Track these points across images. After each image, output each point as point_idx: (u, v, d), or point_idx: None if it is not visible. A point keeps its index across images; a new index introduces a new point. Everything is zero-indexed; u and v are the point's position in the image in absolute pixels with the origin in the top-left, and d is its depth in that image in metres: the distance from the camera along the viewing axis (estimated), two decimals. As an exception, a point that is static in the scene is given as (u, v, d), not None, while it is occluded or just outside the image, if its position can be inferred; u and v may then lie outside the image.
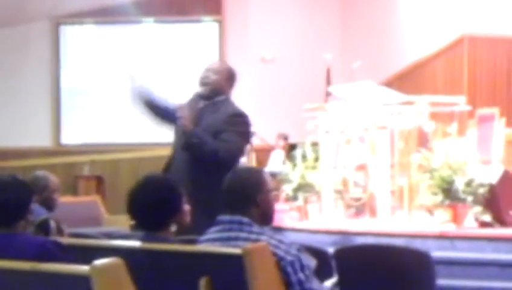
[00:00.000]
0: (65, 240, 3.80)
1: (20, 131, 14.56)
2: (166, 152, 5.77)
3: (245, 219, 3.57)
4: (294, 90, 13.99)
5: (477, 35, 11.18)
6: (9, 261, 2.78)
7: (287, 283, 3.43)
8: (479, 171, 6.92)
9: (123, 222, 10.47)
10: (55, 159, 14.45)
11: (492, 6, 11.15)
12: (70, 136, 15.05)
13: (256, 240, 3.47)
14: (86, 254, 3.13)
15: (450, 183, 6.79)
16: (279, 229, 7.67)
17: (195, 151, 5.30)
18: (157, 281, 3.35)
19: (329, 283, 4.28)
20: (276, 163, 12.10)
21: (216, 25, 15.04)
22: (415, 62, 12.64)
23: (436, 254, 5.62)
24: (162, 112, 5.57)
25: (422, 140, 7.75)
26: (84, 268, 2.43)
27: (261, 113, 12.37)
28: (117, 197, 13.91)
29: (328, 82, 11.40)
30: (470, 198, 6.75)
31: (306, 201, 8.32)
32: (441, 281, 4.90)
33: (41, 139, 14.79)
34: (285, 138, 12.81)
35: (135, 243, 3.56)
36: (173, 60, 14.53)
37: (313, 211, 8.20)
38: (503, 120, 8.46)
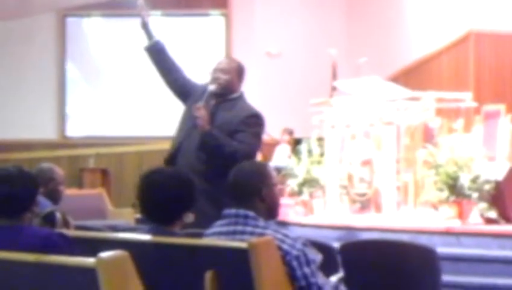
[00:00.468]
0: (71, 233, 3.80)
1: (26, 123, 14.59)
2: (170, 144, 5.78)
3: (251, 213, 3.57)
4: (300, 85, 13.99)
5: (483, 32, 11.15)
6: (15, 253, 2.78)
7: (292, 277, 3.43)
8: (485, 168, 6.90)
9: (128, 214, 10.49)
10: (61, 152, 14.47)
11: (499, 2, 11.12)
12: (75, 129, 15.08)
13: (262, 234, 3.48)
14: (92, 247, 3.13)
15: (456, 179, 6.77)
16: (284, 224, 7.67)
17: (212, 152, 5.33)
18: (163, 274, 3.35)
19: (335, 278, 4.28)
20: (281, 158, 12.09)
21: (222, 19, 15.04)
22: (421, 58, 12.62)
23: (442, 250, 5.60)
24: (168, 60, 5.77)
25: (428, 136, 7.73)
26: (89, 261, 2.43)
27: (266, 108, 12.30)
28: (122, 190, 13.96)
29: (334, 77, 11.38)
30: (475, 194, 6.74)
31: (311, 196, 8.31)
32: (446, 277, 4.89)
33: (47, 132, 14.82)
34: (291, 132, 12.81)
35: (141, 236, 3.56)
36: (180, 54, 14.51)
37: (318, 206, 8.19)
38: (509, 116, 8.44)
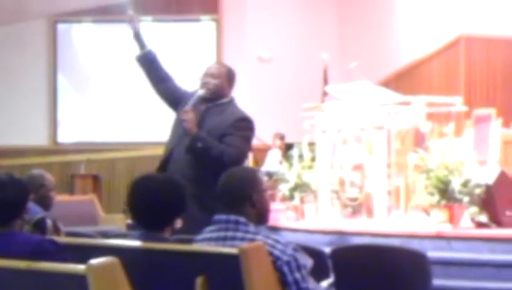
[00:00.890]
0: (61, 239, 3.80)
1: (17, 129, 14.56)
2: (163, 151, 5.77)
3: (241, 219, 3.57)
4: (291, 89, 14.00)
5: (473, 36, 11.19)
6: (5, 260, 2.78)
7: (283, 282, 3.43)
8: (476, 172, 6.93)
9: (119, 220, 10.49)
10: (52, 158, 14.44)
11: (489, 6, 11.16)
12: (66, 135, 15.05)
13: (253, 240, 3.48)
14: (82, 253, 3.12)
15: (447, 183, 6.79)
16: (276, 229, 7.68)
17: (200, 155, 5.31)
18: (154, 280, 3.35)
19: (326, 283, 4.29)
20: (272, 163, 12.10)
21: (213, 24, 15.04)
22: (411, 62, 12.65)
23: (432, 254, 5.62)
24: (160, 70, 5.79)
25: (419, 140, 7.75)
26: (80, 267, 2.43)
27: (257, 113, 12.32)
28: (113, 196, 13.95)
29: (325, 82, 11.38)
30: (466, 198, 6.76)
31: (302, 201, 8.32)
32: (436, 282, 4.90)
33: (38, 138, 14.79)
34: (282, 137, 12.81)
35: (131, 242, 3.56)
36: (171, 59, 14.52)
37: (310, 211, 8.20)
38: (500, 121, 8.48)
